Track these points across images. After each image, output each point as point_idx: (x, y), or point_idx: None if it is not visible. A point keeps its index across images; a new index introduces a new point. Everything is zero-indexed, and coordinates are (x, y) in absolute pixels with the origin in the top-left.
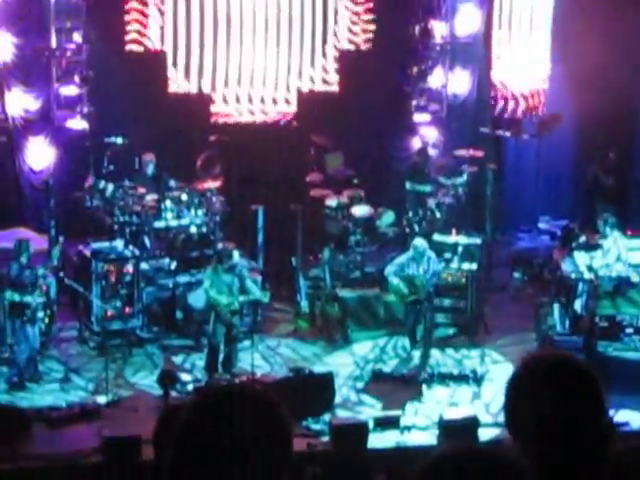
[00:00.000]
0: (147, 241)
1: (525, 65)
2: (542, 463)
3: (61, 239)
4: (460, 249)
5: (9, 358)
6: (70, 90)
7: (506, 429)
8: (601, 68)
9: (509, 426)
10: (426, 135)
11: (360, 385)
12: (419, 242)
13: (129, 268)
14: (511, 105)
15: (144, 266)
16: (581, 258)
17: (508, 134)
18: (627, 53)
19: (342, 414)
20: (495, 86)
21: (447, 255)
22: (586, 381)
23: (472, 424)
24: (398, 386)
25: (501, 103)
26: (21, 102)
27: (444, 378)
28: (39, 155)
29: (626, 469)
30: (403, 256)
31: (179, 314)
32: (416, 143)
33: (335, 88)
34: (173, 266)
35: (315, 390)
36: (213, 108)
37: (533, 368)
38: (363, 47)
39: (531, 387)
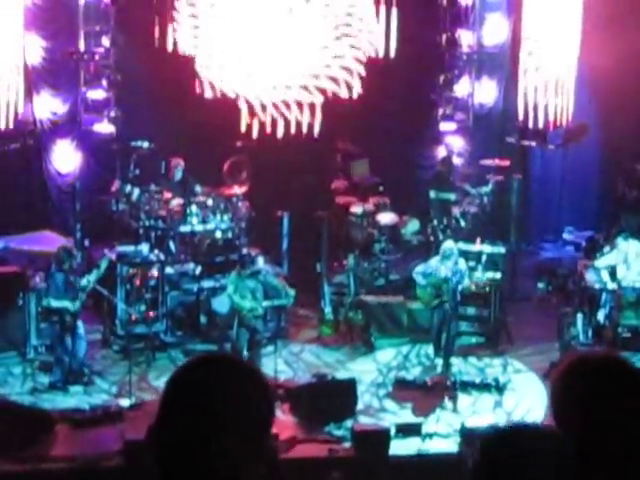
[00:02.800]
0: (172, 245)
1: (552, 75)
2: (587, 460)
3: (87, 242)
4: (484, 258)
5: (34, 359)
6: (98, 94)
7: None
8: (629, 78)
9: (557, 423)
10: (452, 144)
11: (383, 392)
12: (449, 245)
13: (154, 272)
14: (538, 115)
15: (169, 270)
16: (604, 269)
17: (534, 144)
18: None
19: (364, 420)
20: (522, 96)
21: (471, 264)
22: (634, 383)
23: None
24: (421, 393)
25: (528, 113)
26: (49, 105)
27: (466, 386)
28: (66, 158)
29: None
30: (432, 260)
31: (203, 319)
32: (442, 152)
33: (362, 96)
34: (198, 271)
35: (338, 396)
36: (240, 113)
37: (583, 366)
38: (390, 55)
39: (581, 385)
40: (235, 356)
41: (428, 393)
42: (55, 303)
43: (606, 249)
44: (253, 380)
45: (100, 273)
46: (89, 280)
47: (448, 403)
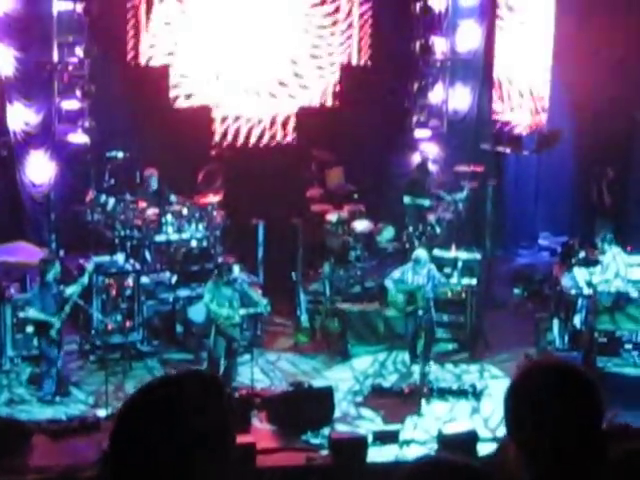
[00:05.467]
0: (148, 255)
1: (526, 82)
2: (541, 468)
3: (62, 253)
4: (460, 264)
5: (9, 370)
6: (72, 104)
7: (507, 435)
8: (601, 86)
9: (510, 432)
10: (426, 151)
11: (359, 399)
12: (420, 253)
13: (130, 282)
14: (511, 121)
15: (144, 280)
16: (580, 274)
17: (508, 150)
18: (627, 71)
19: (341, 428)
20: (496, 102)
21: (447, 270)
22: (587, 389)
23: (471, 439)
24: (397, 400)
25: (501, 119)
26: (22, 116)
27: (443, 393)
28: (40, 169)
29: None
30: (403, 267)
31: (179, 328)
32: (416, 159)
33: (336, 103)
34: (173, 280)
35: (314, 404)
36: (214, 123)
37: (534, 375)
38: (364, 63)
39: (532, 394)
40: (193, 370)
41: (405, 400)
42: (39, 316)
43: (581, 254)
44: (211, 397)
45: (82, 286)
46: (70, 293)
47: (425, 410)
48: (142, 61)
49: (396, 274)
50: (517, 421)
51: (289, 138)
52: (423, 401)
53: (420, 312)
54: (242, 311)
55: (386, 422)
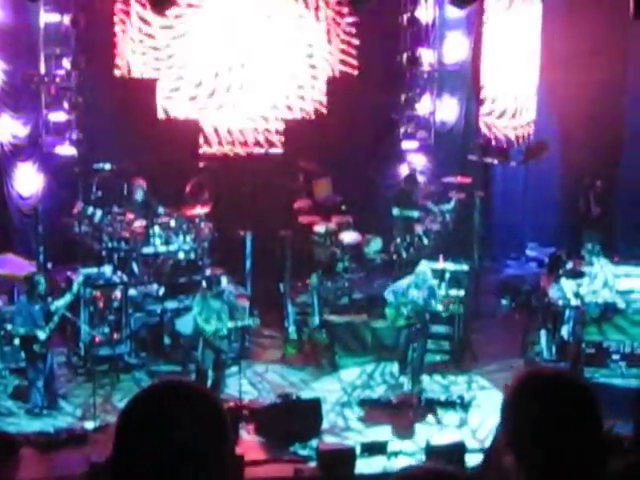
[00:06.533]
0: (135, 267)
1: (513, 93)
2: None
3: (49, 265)
4: (447, 276)
5: None
6: (59, 116)
7: (505, 446)
8: (588, 97)
9: (508, 443)
10: (414, 162)
11: (348, 411)
12: (423, 268)
13: (117, 294)
14: (499, 133)
15: (132, 292)
16: (568, 285)
17: (496, 161)
18: (614, 84)
19: (329, 440)
20: (483, 113)
21: (435, 282)
22: (585, 397)
23: (459, 450)
24: (386, 412)
25: (489, 130)
26: (10, 128)
27: (431, 404)
28: (27, 181)
29: None
30: (405, 279)
31: (167, 340)
32: (404, 170)
33: (323, 115)
34: (161, 292)
35: (303, 416)
36: (202, 134)
37: (532, 384)
38: (351, 74)
39: (532, 404)
40: (187, 382)
41: (393, 411)
42: (24, 329)
43: (569, 265)
44: (207, 406)
45: (71, 298)
46: (58, 306)
47: (413, 421)
48: (129, 73)
49: (397, 286)
50: (516, 431)
51: (277, 150)
52: (411, 412)
53: (418, 326)
54: (230, 324)
55: (374, 433)
